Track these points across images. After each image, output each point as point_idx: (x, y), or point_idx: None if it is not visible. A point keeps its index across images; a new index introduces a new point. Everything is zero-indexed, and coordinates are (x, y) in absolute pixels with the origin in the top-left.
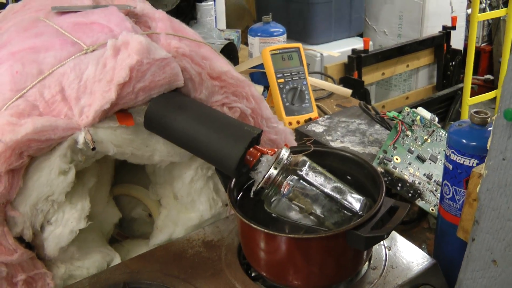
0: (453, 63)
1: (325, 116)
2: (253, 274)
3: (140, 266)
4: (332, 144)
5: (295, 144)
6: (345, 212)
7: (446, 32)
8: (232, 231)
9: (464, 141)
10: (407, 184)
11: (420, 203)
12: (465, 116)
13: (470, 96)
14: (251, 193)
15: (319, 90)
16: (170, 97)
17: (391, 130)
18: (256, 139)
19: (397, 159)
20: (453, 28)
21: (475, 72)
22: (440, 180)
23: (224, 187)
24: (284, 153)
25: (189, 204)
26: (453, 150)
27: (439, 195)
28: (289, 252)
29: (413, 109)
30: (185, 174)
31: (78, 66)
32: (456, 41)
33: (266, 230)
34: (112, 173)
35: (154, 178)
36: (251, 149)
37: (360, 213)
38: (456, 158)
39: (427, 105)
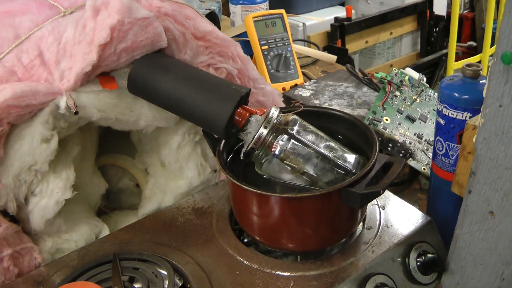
0: (437, 29)
1: (312, 81)
2: (245, 240)
3: (130, 237)
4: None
5: (282, 105)
6: (339, 170)
7: None
8: (223, 197)
9: (456, 94)
10: (398, 144)
11: (411, 162)
12: None
13: (455, 61)
14: (241, 155)
15: (303, 58)
16: (153, 58)
17: (379, 91)
18: (244, 98)
19: (386, 119)
20: None
21: (458, 39)
22: (431, 139)
23: (213, 151)
24: (274, 112)
25: (177, 171)
26: (445, 105)
27: (430, 154)
28: (282, 213)
29: (401, 70)
30: (172, 140)
31: (57, 29)
32: (439, 8)
33: (258, 191)
34: (96, 142)
35: (140, 146)
36: (240, 109)
37: (354, 171)
38: (448, 113)
39: None
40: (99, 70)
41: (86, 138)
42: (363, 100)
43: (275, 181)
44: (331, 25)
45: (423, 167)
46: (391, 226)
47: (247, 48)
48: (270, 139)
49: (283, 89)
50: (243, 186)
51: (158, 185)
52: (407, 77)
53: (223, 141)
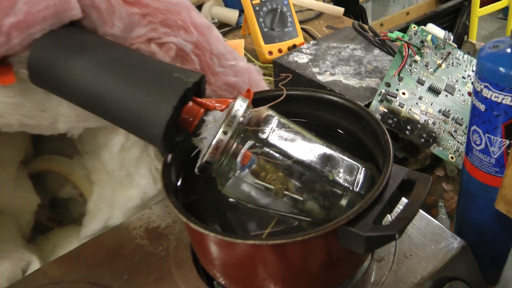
0: None
1: (311, 42)
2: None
3: (62, 273)
4: (320, 78)
5: (265, 87)
6: (336, 190)
7: None
8: None
9: (502, 69)
10: (419, 125)
11: (436, 150)
12: (474, 30)
13: (480, 7)
14: (196, 170)
15: (305, 11)
16: (62, 35)
17: (394, 55)
18: (193, 90)
19: (403, 93)
20: None
21: None
22: (460, 117)
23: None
24: (239, 107)
25: (125, 180)
26: (487, 84)
27: (459, 137)
28: (253, 261)
29: (422, 27)
30: (113, 141)
31: None
32: None
33: (215, 235)
34: (22, 145)
35: (80, 145)
36: (190, 104)
37: (358, 190)
38: (491, 95)
39: (430, 20)
40: None
41: (1, 143)
42: (374, 66)
43: (243, 206)
44: None
45: (450, 155)
46: (410, 256)
47: (235, 3)
48: (234, 146)
49: (279, 50)
50: (197, 228)
51: (103, 197)
52: (429, 37)
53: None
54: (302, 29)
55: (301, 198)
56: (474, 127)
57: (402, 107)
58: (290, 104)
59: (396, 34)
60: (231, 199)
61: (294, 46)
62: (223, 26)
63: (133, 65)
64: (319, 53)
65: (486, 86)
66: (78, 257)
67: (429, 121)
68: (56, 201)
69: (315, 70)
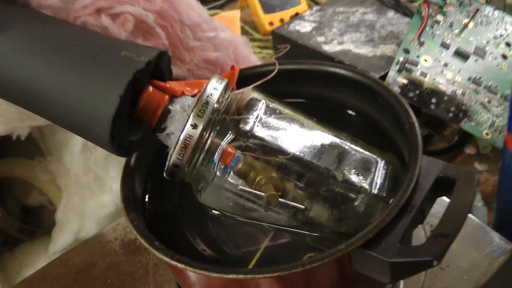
0: None
1: (314, 8)
2: None
3: None
4: (326, 48)
5: (255, 62)
6: (348, 193)
7: None
8: None
9: None
10: (445, 98)
11: (467, 125)
12: None
13: None
14: (164, 174)
15: None
16: None
17: (411, 16)
18: (148, 72)
19: (425, 60)
20: None
21: None
22: (494, 84)
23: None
24: (212, 90)
25: (94, 184)
26: None
27: (494, 108)
28: None
29: None
30: (72, 141)
31: None
32: None
33: (184, 267)
34: None
35: (44, 145)
36: (150, 90)
37: (376, 192)
38: None
39: None
40: None
41: None
42: (388, 31)
43: (229, 218)
44: None
45: (485, 132)
46: (447, 267)
47: None
48: (209, 143)
49: (281, 20)
50: (166, 259)
51: (71, 205)
52: None
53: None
54: None
55: (302, 207)
56: None
57: (425, 77)
58: (285, 82)
59: None
60: (213, 211)
61: (297, 14)
62: None
63: (71, 44)
64: (325, 19)
65: None
66: (42, 280)
67: (457, 91)
68: (27, 209)
69: (320, 39)
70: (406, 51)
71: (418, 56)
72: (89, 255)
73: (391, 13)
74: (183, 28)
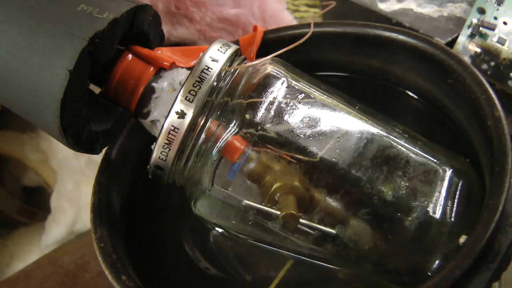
0: None
1: None
2: None
3: None
4: (382, 6)
5: (289, 21)
6: (399, 217)
7: None
8: None
9: None
10: None
11: None
12: None
13: None
14: (149, 174)
15: None
16: None
17: None
18: (113, 36)
19: (505, 23)
20: None
21: None
22: None
23: None
24: (211, 61)
25: (88, 169)
26: None
27: None
28: None
29: None
30: None
31: None
32: None
33: None
34: None
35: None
36: (128, 58)
37: (439, 217)
38: None
39: None
40: None
41: None
42: None
43: (237, 237)
44: None
45: None
46: None
47: None
48: (204, 135)
49: None
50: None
51: (65, 193)
52: None
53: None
54: None
55: (333, 232)
56: None
57: (503, 44)
58: (323, 49)
59: None
60: (215, 227)
61: None
62: None
63: None
64: None
65: None
66: (26, 282)
67: None
68: (28, 189)
69: None
70: (481, 11)
71: (495, 18)
72: (81, 254)
73: None
74: None
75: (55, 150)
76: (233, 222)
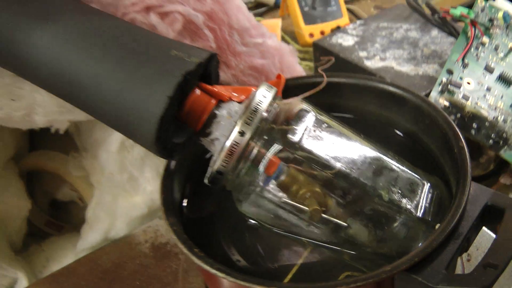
0: None
1: (358, 22)
2: None
3: None
4: (368, 63)
5: (300, 72)
6: (392, 214)
7: None
8: None
9: None
10: (487, 123)
11: (507, 154)
12: None
13: None
14: (206, 179)
15: None
16: None
17: (456, 36)
18: (197, 74)
19: (468, 83)
20: None
21: None
22: None
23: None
24: (262, 98)
25: (128, 184)
26: None
27: None
28: None
29: (491, 2)
30: (110, 138)
31: None
32: None
33: (227, 278)
34: (12, 140)
35: (79, 141)
36: (197, 93)
37: (421, 215)
38: None
39: None
40: None
41: None
42: (432, 50)
43: (267, 229)
44: None
45: None
46: None
47: None
48: (255, 151)
49: (322, 32)
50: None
51: (103, 204)
52: (500, 13)
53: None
54: (347, 9)
55: (345, 224)
56: None
57: (467, 100)
58: (332, 95)
59: (460, 11)
60: (251, 220)
61: (338, 27)
62: (259, 5)
63: (120, 40)
64: (367, 34)
65: None
66: (69, 276)
67: (499, 118)
68: (56, 203)
69: (363, 54)
70: (450, 72)
71: (461, 78)
72: (118, 255)
73: (435, 32)
74: (231, 32)
75: (97, 168)
76: (270, 216)
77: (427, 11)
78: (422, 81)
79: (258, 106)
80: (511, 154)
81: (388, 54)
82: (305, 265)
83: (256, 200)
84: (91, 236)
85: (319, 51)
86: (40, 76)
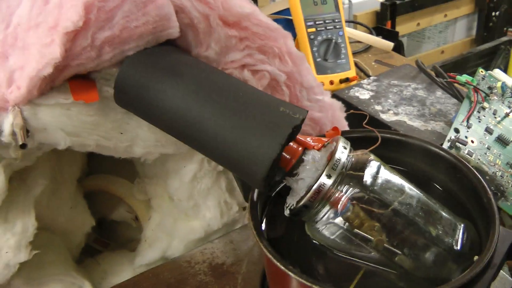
0: (497, 13)
1: (371, 78)
2: None
3: None
4: (384, 116)
5: (345, 125)
6: (437, 248)
7: None
8: (253, 249)
9: None
10: (487, 177)
11: (502, 204)
12: None
13: None
14: (287, 211)
15: (353, 43)
16: (156, 55)
17: (458, 99)
18: (298, 128)
19: (472, 141)
20: None
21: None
22: None
23: (242, 189)
24: (342, 153)
25: (191, 210)
26: None
27: None
28: None
29: (490, 72)
30: (185, 170)
31: (6, 2)
32: None
33: (310, 285)
34: (81, 162)
35: (141, 169)
36: (290, 143)
37: (459, 249)
38: None
39: (465, 61)
40: (68, 72)
41: (63, 161)
42: (437, 108)
43: (328, 251)
44: (382, 3)
45: None
46: None
47: (289, 28)
48: (333, 192)
49: (331, 82)
50: (291, 274)
51: (163, 225)
52: (499, 83)
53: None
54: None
55: (400, 252)
56: None
57: (471, 156)
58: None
59: (465, 78)
60: (314, 241)
61: (347, 79)
62: None
63: (234, 93)
64: (381, 89)
65: None
66: None
67: (497, 173)
68: (102, 222)
69: (378, 107)
70: (457, 131)
71: (466, 137)
72: (179, 272)
73: (439, 92)
74: (301, 89)
75: (161, 193)
76: (336, 241)
77: (432, 74)
78: (432, 136)
79: (341, 156)
80: (506, 205)
81: (400, 110)
82: (359, 282)
83: (326, 229)
84: (150, 253)
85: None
86: (163, 118)
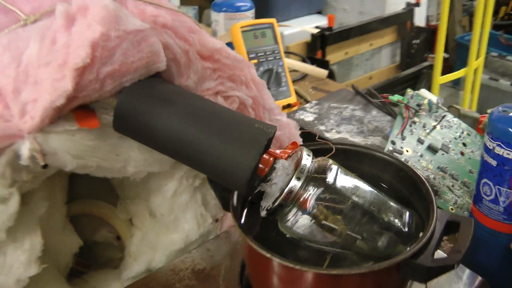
0: (418, 41)
1: (313, 102)
2: None
3: None
4: (328, 135)
5: (300, 141)
6: (388, 232)
7: (410, 9)
8: (228, 255)
9: None
10: None
11: (438, 202)
12: (436, 94)
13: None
14: (263, 212)
15: (291, 72)
16: (148, 85)
17: (392, 116)
18: (271, 140)
19: (407, 151)
20: (417, 4)
21: (432, 51)
22: (456, 173)
23: (221, 203)
24: (307, 157)
25: (171, 224)
26: (500, 143)
27: (457, 191)
28: None
29: (417, 92)
30: (166, 187)
31: (15, 44)
32: (419, 19)
33: (293, 266)
34: (66, 188)
35: (122, 191)
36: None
37: (406, 230)
38: (503, 153)
39: (392, 85)
40: (75, 102)
41: (56, 186)
42: (374, 126)
43: (300, 243)
44: (312, 35)
45: (450, 207)
46: None
47: None
48: (302, 192)
49: None
50: (273, 258)
51: (146, 240)
52: (426, 100)
53: (236, 192)
54: None
55: (360, 237)
56: (484, 180)
57: (407, 163)
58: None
59: (397, 98)
60: (287, 236)
61: (289, 105)
62: None
63: (217, 115)
64: (322, 112)
65: (499, 145)
66: None
67: (430, 176)
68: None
69: (322, 127)
70: (393, 143)
71: (401, 147)
72: (165, 280)
73: (374, 112)
74: (264, 111)
75: (142, 211)
76: (309, 235)
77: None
78: None
79: (307, 162)
80: (440, 202)
81: (342, 128)
82: (329, 265)
83: (296, 224)
84: (136, 267)
85: None
86: (158, 140)
